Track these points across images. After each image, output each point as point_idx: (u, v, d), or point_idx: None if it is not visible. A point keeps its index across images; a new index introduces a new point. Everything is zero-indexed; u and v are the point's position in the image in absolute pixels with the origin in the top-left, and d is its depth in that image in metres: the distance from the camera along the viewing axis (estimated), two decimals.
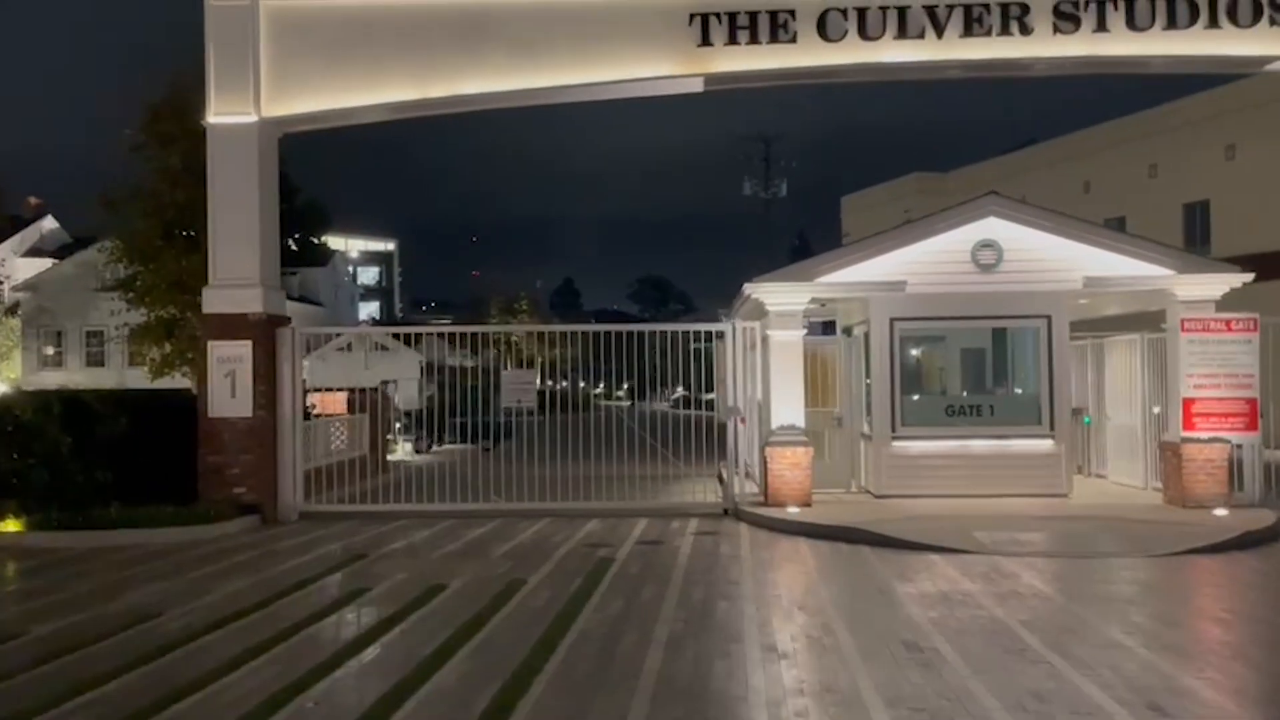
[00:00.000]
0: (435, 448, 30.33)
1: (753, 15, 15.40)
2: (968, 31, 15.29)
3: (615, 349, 17.16)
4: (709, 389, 19.23)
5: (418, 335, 43.54)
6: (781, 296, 15.90)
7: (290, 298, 23.22)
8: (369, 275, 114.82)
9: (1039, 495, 15.86)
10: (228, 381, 15.62)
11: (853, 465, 17.59)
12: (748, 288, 16.25)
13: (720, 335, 20.41)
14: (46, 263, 57.68)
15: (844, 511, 15.00)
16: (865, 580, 11.01)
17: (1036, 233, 16.04)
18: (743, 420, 16.57)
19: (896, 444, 16.39)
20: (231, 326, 15.68)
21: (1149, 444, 16.93)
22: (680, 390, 61.51)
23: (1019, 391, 17.05)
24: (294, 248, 40.26)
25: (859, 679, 7.28)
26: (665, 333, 17.76)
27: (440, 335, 21.03)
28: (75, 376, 45.45)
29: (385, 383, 31.49)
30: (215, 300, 15.84)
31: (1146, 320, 17.94)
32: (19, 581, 11.43)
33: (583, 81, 15.93)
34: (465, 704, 6.82)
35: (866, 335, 17.25)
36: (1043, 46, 15.28)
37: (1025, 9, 15.18)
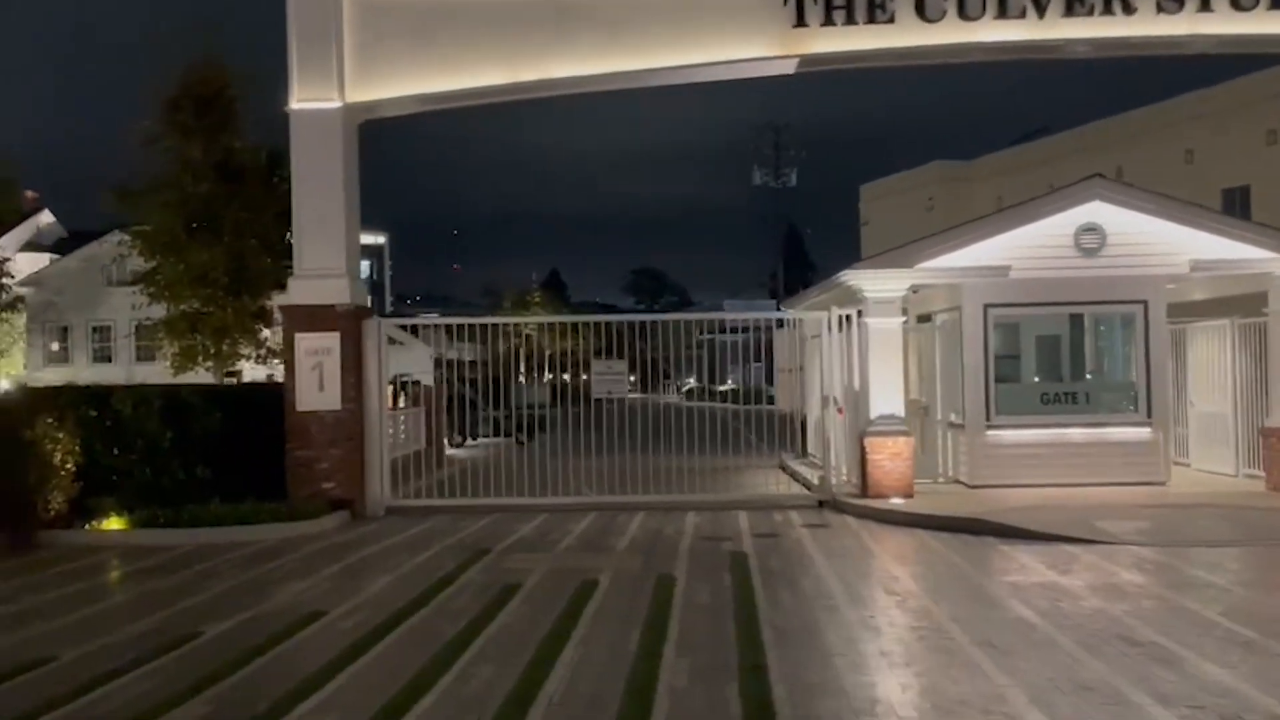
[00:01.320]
0: (471, 441, 30.07)
1: None
2: (1069, 11, 15.03)
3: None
4: (720, 380, 18.82)
5: (430, 326, 43.17)
6: (881, 283, 15.55)
7: None
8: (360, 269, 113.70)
9: (1137, 484, 15.62)
10: (315, 374, 15.21)
11: (939, 455, 17.31)
12: (845, 274, 15.94)
13: (780, 324, 20.14)
14: (43, 257, 56.90)
15: (948, 503, 14.72)
16: (1021, 573, 10.69)
17: (1141, 216, 15.74)
18: (840, 410, 16.26)
19: (991, 433, 16.10)
20: (318, 318, 15.28)
21: (1242, 431, 16.73)
22: (692, 381, 61.32)
23: (1116, 378, 16.82)
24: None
25: (1106, 676, 6.99)
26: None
27: (489, 326, 20.76)
28: (82, 372, 44.81)
29: (399, 376, 31.09)
30: (301, 291, 15.43)
31: (1230, 305, 17.72)
32: (150, 580, 11.02)
33: (675, 64, 15.62)
34: (720, 704, 6.50)
35: (951, 322, 16.98)
36: (1146, 25, 15.03)
37: None
